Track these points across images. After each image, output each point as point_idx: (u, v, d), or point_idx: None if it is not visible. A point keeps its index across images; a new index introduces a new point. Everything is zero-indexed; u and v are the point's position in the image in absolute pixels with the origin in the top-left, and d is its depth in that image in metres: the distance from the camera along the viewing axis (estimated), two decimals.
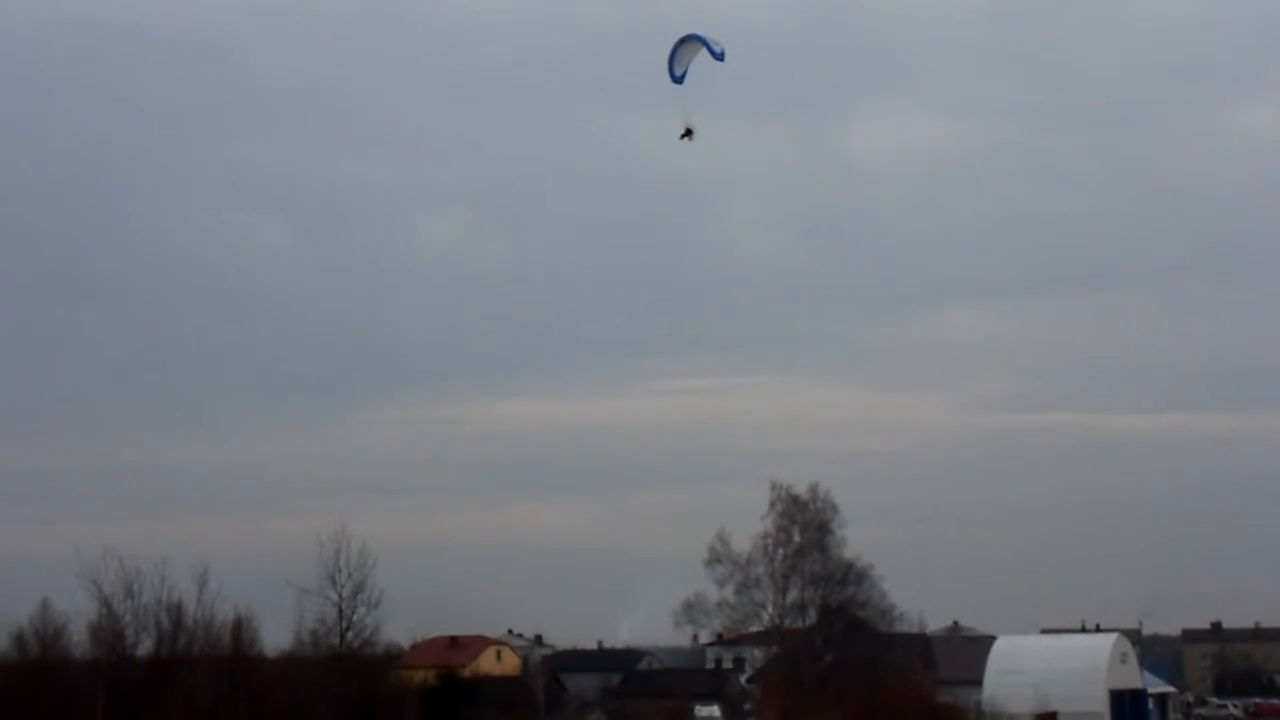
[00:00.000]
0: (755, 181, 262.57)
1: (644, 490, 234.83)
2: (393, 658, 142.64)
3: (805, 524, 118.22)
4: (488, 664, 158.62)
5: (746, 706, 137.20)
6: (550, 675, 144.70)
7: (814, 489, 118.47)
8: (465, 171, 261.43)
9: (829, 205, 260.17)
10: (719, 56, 51.75)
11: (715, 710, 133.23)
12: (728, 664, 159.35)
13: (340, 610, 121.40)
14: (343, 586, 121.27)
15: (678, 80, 52.45)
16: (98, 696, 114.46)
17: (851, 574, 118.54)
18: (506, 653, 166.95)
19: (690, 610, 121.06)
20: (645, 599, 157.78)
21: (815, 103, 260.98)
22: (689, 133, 52.85)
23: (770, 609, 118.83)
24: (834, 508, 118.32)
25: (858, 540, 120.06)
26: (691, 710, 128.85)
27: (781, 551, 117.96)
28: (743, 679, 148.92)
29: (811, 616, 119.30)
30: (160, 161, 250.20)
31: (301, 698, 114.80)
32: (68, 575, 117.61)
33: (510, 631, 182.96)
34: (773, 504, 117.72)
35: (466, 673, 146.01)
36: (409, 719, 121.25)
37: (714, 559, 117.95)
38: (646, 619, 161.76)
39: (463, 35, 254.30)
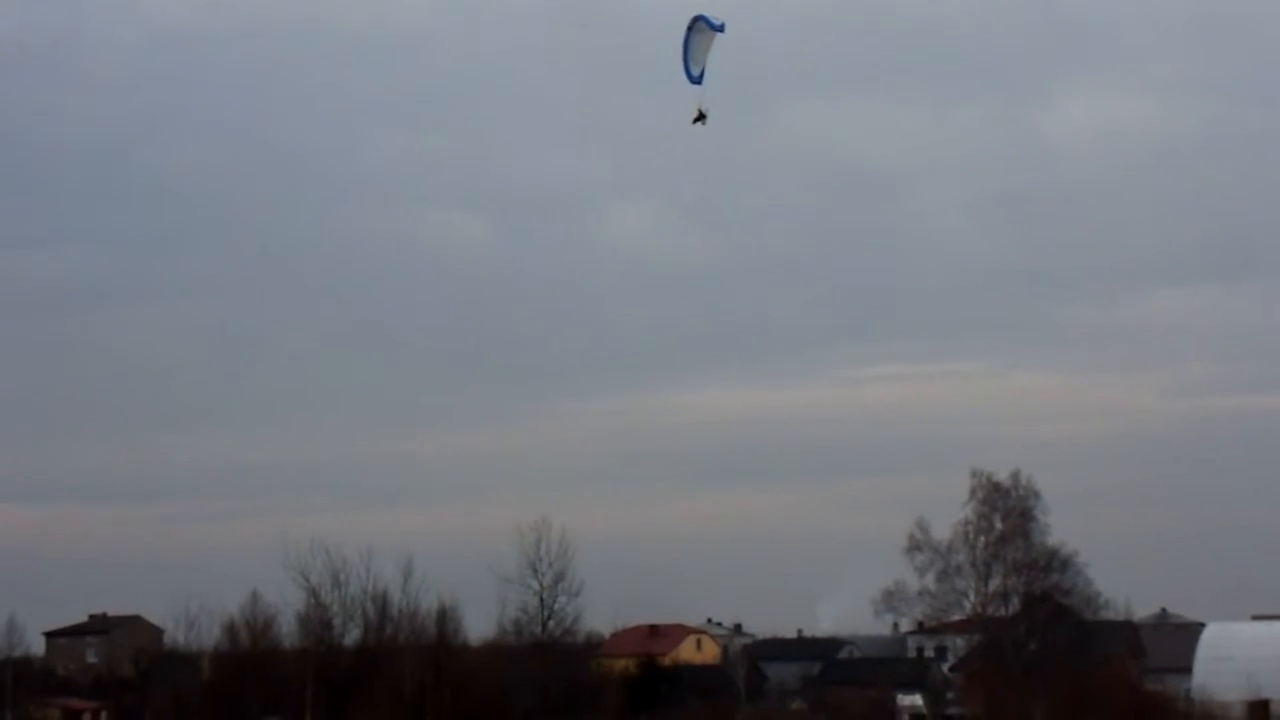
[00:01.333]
0: (950, 164, 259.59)
1: (841, 477, 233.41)
2: (593, 646, 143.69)
3: (1007, 511, 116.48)
4: (688, 652, 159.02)
5: (950, 695, 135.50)
6: (750, 664, 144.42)
7: (1015, 475, 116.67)
8: (656, 162, 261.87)
9: (1026, 187, 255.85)
10: (719, 28, 50.12)
11: (918, 699, 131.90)
12: (929, 653, 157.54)
13: (541, 599, 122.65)
14: (544, 576, 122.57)
15: (697, 80, 50.62)
16: (306, 685, 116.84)
17: (1055, 561, 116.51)
18: (706, 641, 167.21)
19: (890, 598, 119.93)
20: (844, 587, 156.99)
21: (1012, 83, 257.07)
22: (702, 116, 51.43)
23: (972, 597, 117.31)
24: (1036, 494, 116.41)
25: (1061, 527, 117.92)
26: (894, 700, 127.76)
27: (983, 539, 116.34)
28: (945, 668, 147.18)
29: (1015, 604, 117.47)
30: (357, 157, 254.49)
31: (504, 686, 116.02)
32: (276, 567, 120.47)
33: (710, 620, 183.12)
34: (973, 491, 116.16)
35: (667, 661, 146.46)
36: (610, 707, 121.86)
37: (914, 547, 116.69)
38: (846, 607, 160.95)
39: (653, 24, 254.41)
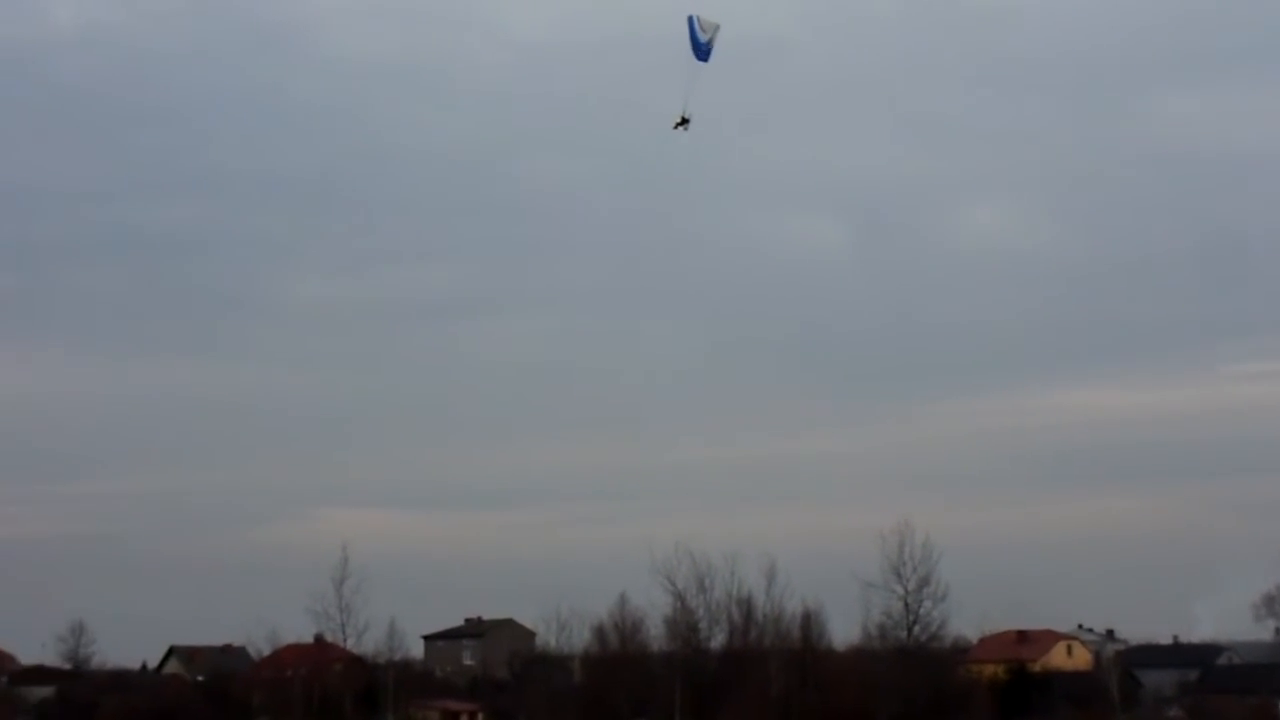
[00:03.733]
0: None
1: (1217, 478, 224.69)
2: (960, 652, 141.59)
3: None
4: (1058, 659, 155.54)
5: None
6: (1124, 671, 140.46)
7: None
8: (1011, 158, 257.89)
9: None
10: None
11: None
12: None
13: (906, 604, 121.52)
14: (908, 580, 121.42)
15: (704, 57, 49.72)
16: (674, 688, 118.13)
17: None
18: (1077, 647, 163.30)
19: (1272, 603, 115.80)
20: (1223, 592, 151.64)
21: None
22: (685, 121, 50.24)
23: None
24: None
25: None
26: (1277, 707, 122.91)
27: None
28: None
29: None
30: (713, 165, 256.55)
31: (870, 691, 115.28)
32: (643, 570, 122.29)
33: (1080, 626, 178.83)
34: None
35: (1036, 667, 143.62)
36: (979, 713, 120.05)
37: None
38: (1225, 612, 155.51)
39: (1005, 20, 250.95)
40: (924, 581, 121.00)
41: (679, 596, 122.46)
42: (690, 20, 52.51)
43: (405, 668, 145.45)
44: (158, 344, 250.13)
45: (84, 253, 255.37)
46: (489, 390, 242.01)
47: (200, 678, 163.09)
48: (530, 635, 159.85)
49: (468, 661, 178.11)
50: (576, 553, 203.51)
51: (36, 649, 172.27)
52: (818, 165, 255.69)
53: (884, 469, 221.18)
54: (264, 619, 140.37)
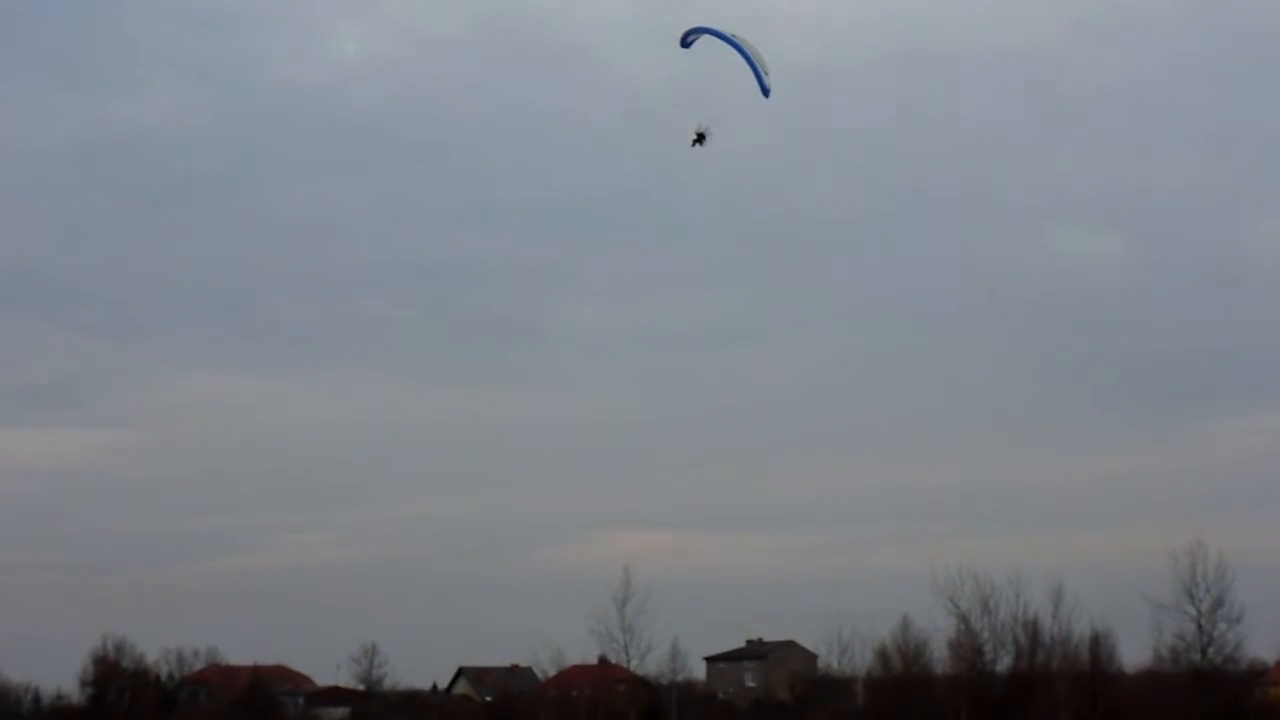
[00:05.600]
0: None
1: None
2: (1257, 674, 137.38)
3: None
4: None
5: None
6: None
7: None
8: None
9: None
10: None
11: None
12: None
13: (1199, 626, 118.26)
14: (1200, 602, 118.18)
15: (767, 93, 48.32)
16: (960, 711, 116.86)
17: None
18: None
19: None
20: None
21: None
22: (701, 138, 48.64)
23: None
24: None
25: None
26: None
27: None
28: None
29: None
30: (987, 180, 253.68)
31: (1163, 715, 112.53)
32: (926, 592, 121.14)
33: None
34: None
35: None
36: None
37: None
38: None
39: None
40: (1218, 602, 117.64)
41: (963, 619, 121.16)
42: (747, 58, 51.48)
43: (687, 689, 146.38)
44: (442, 372, 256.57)
45: (369, 283, 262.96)
46: (768, 413, 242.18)
47: (488, 698, 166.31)
48: (812, 657, 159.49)
49: (749, 683, 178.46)
50: (858, 574, 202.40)
51: (332, 671, 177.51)
52: (1099, 177, 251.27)
53: (1173, 488, 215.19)
54: (550, 640, 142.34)
